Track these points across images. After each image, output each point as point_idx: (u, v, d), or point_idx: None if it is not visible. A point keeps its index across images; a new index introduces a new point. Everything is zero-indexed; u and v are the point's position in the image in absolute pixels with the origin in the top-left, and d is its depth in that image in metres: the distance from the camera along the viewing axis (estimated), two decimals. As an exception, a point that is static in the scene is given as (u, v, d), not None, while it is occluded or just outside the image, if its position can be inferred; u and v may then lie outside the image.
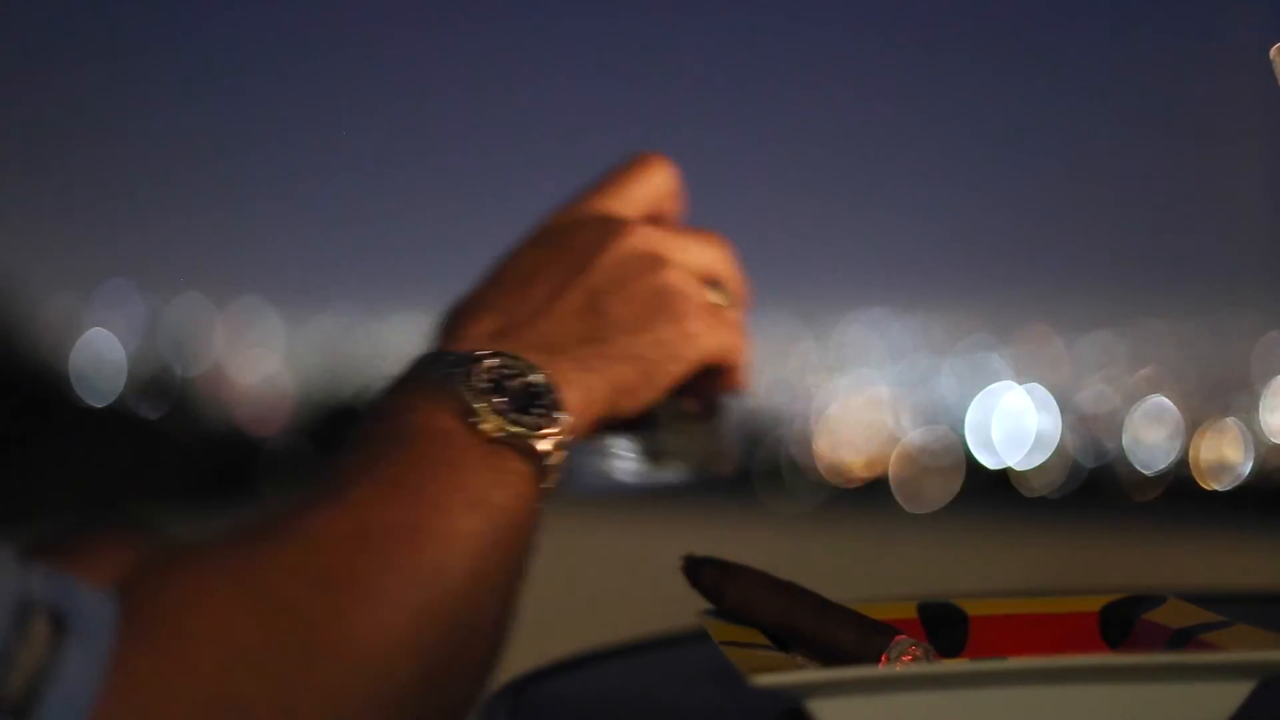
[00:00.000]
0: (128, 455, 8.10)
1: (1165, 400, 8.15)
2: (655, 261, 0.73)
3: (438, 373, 0.64)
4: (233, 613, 0.52)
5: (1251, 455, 7.61)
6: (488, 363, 0.65)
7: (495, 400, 0.63)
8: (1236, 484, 7.52)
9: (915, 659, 0.65)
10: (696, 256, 0.75)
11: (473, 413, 0.63)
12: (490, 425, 0.62)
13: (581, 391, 0.68)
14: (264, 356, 9.48)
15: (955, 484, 8.26)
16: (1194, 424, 7.88)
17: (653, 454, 0.79)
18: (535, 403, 0.64)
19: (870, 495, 8.20)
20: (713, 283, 0.76)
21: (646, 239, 0.73)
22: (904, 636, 0.66)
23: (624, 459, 0.79)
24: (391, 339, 9.66)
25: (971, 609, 0.73)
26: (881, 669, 0.64)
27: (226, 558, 0.54)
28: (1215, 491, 7.48)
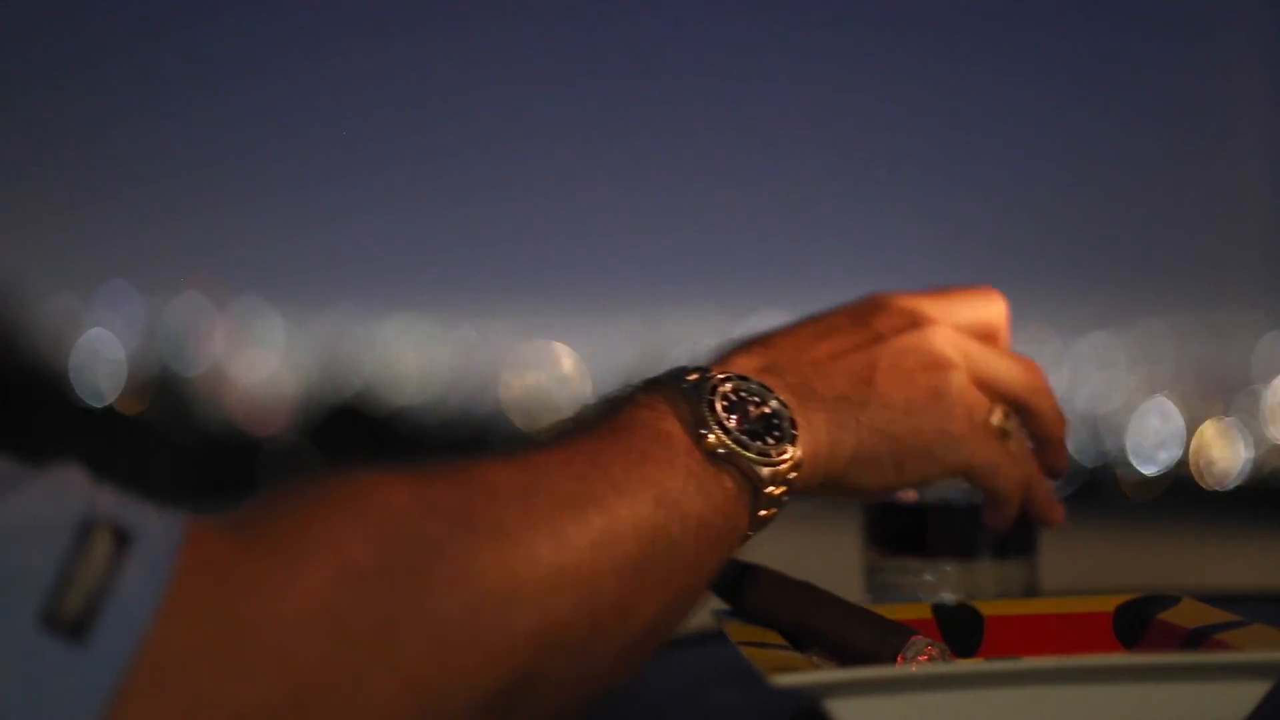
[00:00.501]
0: (128, 455, 8.10)
1: (1165, 400, 8.14)
2: (947, 363, 0.73)
3: (683, 383, 0.65)
4: (351, 531, 0.52)
5: (1251, 455, 7.61)
6: (734, 384, 0.65)
7: (727, 418, 0.64)
8: (1236, 484, 7.52)
9: (931, 659, 0.66)
10: (998, 374, 0.75)
11: (702, 423, 0.63)
12: (713, 439, 0.63)
13: (823, 441, 0.68)
14: (264, 356, 9.47)
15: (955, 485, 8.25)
16: (1194, 424, 7.87)
17: (965, 582, 0.81)
18: (771, 433, 0.65)
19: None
20: (1018, 412, 0.76)
21: (947, 340, 0.73)
22: (920, 636, 0.66)
23: (937, 584, 0.81)
24: (391, 339, 9.66)
25: (986, 609, 0.74)
26: (899, 669, 0.64)
27: (362, 485, 0.54)
28: (1215, 491, 7.47)
